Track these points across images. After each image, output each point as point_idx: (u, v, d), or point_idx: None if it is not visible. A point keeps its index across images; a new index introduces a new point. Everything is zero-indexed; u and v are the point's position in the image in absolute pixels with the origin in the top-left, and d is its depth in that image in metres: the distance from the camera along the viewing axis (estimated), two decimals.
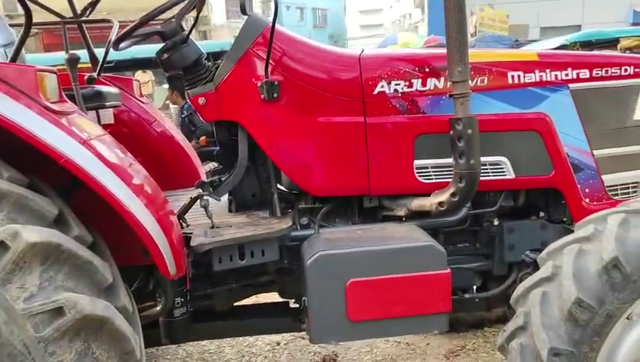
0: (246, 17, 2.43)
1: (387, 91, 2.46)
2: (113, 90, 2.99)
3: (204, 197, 2.40)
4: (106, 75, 3.49)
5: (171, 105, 12.73)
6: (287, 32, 2.54)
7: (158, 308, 2.35)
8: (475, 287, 2.84)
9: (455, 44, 2.24)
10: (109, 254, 1.96)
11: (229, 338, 4.01)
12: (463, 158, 2.32)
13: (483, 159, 2.48)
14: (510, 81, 2.53)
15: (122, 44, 2.55)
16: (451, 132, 2.33)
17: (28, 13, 2.46)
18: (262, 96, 2.41)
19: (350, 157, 2.48)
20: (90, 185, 1.79)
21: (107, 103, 2.74)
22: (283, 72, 2.44)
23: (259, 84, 2.41)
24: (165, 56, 2.55)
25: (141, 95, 3.67)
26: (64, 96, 2.01)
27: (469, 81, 2.31)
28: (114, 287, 1.88)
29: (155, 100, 11.90)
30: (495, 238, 2.72)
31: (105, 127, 3.31)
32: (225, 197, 2.71)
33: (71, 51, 2.29)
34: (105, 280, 1.83)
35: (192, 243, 2.18)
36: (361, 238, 2.33)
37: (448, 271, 2.24)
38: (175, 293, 2.39)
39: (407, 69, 2.48)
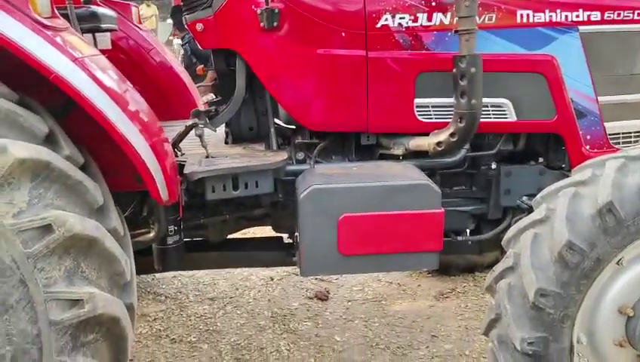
0: None
1: (391, 25, 2.38)
2: (110, 13, 2.90)
3: (199, 126, 2.36)
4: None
5: (174, 41, 12.49)
6: None
7: (151, 235, 2.35)
8: (468, 231, 2.85)
9: None
10: (100, 176, 1.95)
11: (223, 272, 4.07)
12: (465, 98, 2.27)
13: (484, 100, 2.42)
14: (519, 20, 2.44)
15: None
16: (454, 70, 2.27)
17: None
18: (261, 24, 2.34)
19: (349, 92, 2.43)
20: (81, 104, 1.75)
21: (103, 26, 2.66)
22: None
23: (258, 11, 2.33)
24: None
25: (140, 22, 3.58)
26: (56, 12, 1.94)
27: (476, 17, 2.24)
28: (105, 209, 1.88)
29: (159, 36, 11.67)
30: (492, 182, 2.70)
31: (102, 52, 3.27)
32: (222, 129, 2.68)
33: None
34: (95, 202, 1.82)
35: (185, 170, 2.16)
36: (356, 174, 2.31)
37: (442, 210, 2.23)
38: (168, 221, 2.39)
39: (413, 2, 2.39)
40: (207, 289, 3.99)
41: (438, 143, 2.38)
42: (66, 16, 2.28)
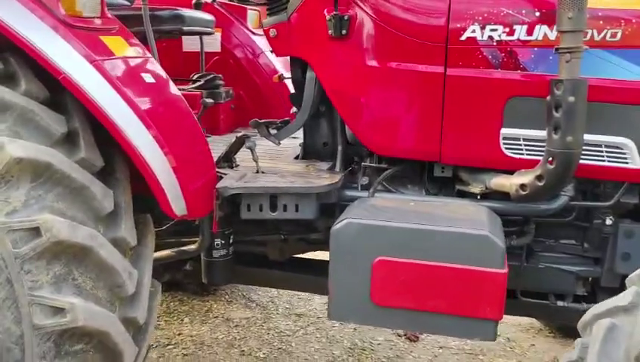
0: None
1: (479, 37, 1.97)
2: (206, 16, 2.88)
3: (250, 139, 2.20)
4: (224, 2, 3.43)
5: None
6: None
7: (193, 247, 2.26)
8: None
9: None
10: (124, 183, 1.88)
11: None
12: (558, 133, 1.79)
13: (598, 138, 1.94)
14: None
15: None
16: (548, 97, 1.81)
17: None
18: (329, 31, 2.10)
19: (421, 113, 2.07)
20: (87, 106, 1.69)
21: (185, 28, 2.64)
22: (356, 4, 2.09)
23: (328, 17, 2.10)
24: None
25: (259, 27, 3.55)
26: (107, 13, 1.92)
27: (584, 33, 1.76)
28: (115, 217, 1.80)
29: None
30: (608, 241, 2.13)
31: (211, 54, 3.30)
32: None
33: None
34: (102, 208, 1.75)
35: (219, 185, 2.01)
36: (408, 212, 1.95)
37: (504, 271, 1.78)
38: (214, 234, 2.27)
39: (511, 11, 1.95)
40: (300, 304, 3.84)
41: (522, 186, 1.93)
42: (138, 18, 2.27)
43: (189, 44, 3.25)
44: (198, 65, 3.20)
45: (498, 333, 3.41)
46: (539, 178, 1.87)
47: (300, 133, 2.46)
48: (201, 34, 2.97)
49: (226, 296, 3.92)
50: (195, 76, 3.07)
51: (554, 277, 2.23)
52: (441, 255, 1.79)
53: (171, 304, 3.79)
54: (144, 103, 1.79)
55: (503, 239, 1.83)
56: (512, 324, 3.57)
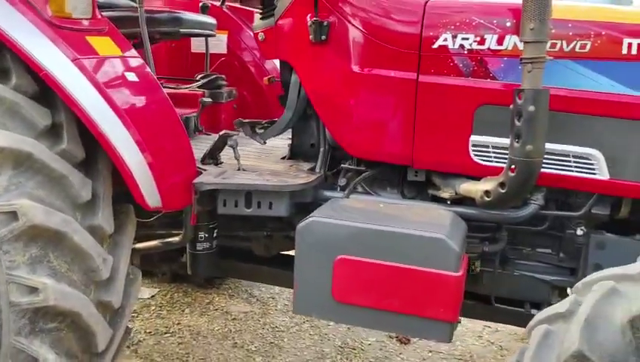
0: None
1: (450, 46, 2.02)
2: (205, 19, 3.00)
3: (232, 138, 2.30)
4: (232, 5, 3.54)
5: None
6: None
7: (177, 239, 2.37)
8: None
9: None
10: (104, 174, 2.00)
11: None
12: (519, 142, 1.82)
13: (566, 148, 1.97)
14: (625, 51, 1.88)
15: None
16: (512, 105, 1.84)
17: None
18: (310, 36, 2.18)
19: (394, 118, 2.13)
20: (66, 101, 1.81)
21: (182, 30, 2.76)
22: (335, 11, 2.16)
23: (309, 22, 2.18)
24: None
25: None
26: (98, 14, 2.05)
27: (547, 43, 1.79)
28: (92, 205, 1.92)
29: None
30: (581, 251, 2.14)
31: (217, 56, 3.42)
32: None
33: None
34: (79, 197, 1.87)
35: (195, 180, 2.12)
36: (374, 213, 2.01)
37: (460, 274, 1.82)
38: (198, 228, 2.38)
39: (482, 21, 1.99)
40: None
41: (487, 193, 1.97)
42: (134, 19, 2.40)
43: (197, 45, 3.38)
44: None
45: (491, 340, 3.46)
46: (501, 185, 1.91)
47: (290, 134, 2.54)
48: (200, 35, 3.09)
49: (229, 290, 4.03)
50: (199, 76, 3.19)
51: (529, 286, 2.25)
52: (398, 256, 1.85)
53: (175, 295, 3.93)
54: (123, 100, 1.91)
55: (461, 243, 1.88)
56: (508, 333, 3.57)
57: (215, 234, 2.46)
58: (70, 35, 1.88)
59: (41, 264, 1.78)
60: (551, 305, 2.24)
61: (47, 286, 1.74)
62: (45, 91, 1.91)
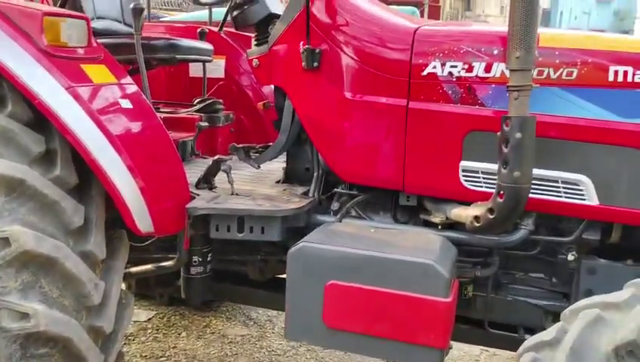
0: None
1: (439, 73, 2.05)
2: (201, 45, 3.05)
3: (226, 162, 2.32)
4: (230, 31, 3.60)
5: None
6: None
7: (171, 263, 2.38)
8: None
9: (519, 19, 1.75)
10: (97, 200, 2.02)
11: None
12: (507, 168, 1.84)
13: (555, 174, 1.98)
14: (611, 78, 1.90)
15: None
16: (499, 132, 1.86)
17: None
18: (302, 63, 2.22)
19: (386, 144, 2.15)
20: (59, 129, 1.84)
21: (179, 56, 2.80)
22: (327, 39, 2.20)
23: (301, 49, 2.22)
24: (234, 13, 2.51)
25: None
26: (94, 42, 2.09)
27: (533, 71, 1.81)
28: (85, 231, 1.94)
29: None
30: (573, 276, 2.14)
31: (215, 80, 3.46)
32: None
33: (135, 2, 2.38)
34: (72, 223, 1.89)
35: (188, 205, 2.14)
36: (365, 238, 2.03)
37: (449, 300, 1.82)
38: (192, 252, 2.40)
39: (470, 49, 2.03)
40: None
41: (476, 218, 1.98)
42: (131, 46, 2.45)
43: (195, 70, 3.43)
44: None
45: None
46: (490, 211, 1.92)
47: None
48: (197, 61, 3.13)
49: (226, 313, 4.03)
50: (196, 101, 3.23)
51: (522, 311, 2.25)
52: (388, 281, 1.86)
53: (172, 317, 3.92)
54: (116, 127, 1.94)
55: (450, 269, 1.89)
56: (505, 357, 3.53)
57: (209, 258, 2.48)
58: (65, 63, 1.92)
59: (33, 289, 1.80)
60: (545, 329, 2.29)
61: (38, 311, 1.76)
62: (40, 118, 1.94)
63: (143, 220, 1.99)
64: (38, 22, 1.87)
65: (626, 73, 1.88)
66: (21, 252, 1.73)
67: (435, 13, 17.54)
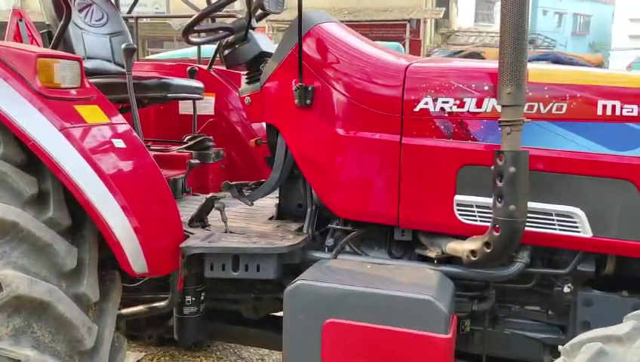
0: None
1: (431, 109, 2.08)
2: (192, 83, 3.07)
3: (219, 200, 2.31)
4: (219, 68, 3.63)
5: None
6: (336, 31, 2.31)
7: (163, 303, 2.34)
8: None
9: (509, 56, 1.79)
10: (90, 241, 1.99)
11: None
12: (501, 202, 1.85)
13: (549, 207, 1.99)
14: (600, 112, 1.94)
15: (192, 38, 2.58)
16: (493, 167, 1.88)
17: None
18: (295, 101, 2.24)
19: (380, 179, 2.16)
20: (52, 170, 1.83)
21: (170, 95, 2.82)
22: (320, 76, 2.23)
23: (294, 87, 2.24)
24: (226, 52, 2.53)
25: None
26: (87, 83, 2.09)
27: (523, 107, 1.85)
28: (77, 273, 1.91)
29: None
30: (570, 308, 2.14)
31: (205, 117, 3.47)
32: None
33: (127, 43, 2.39)
34: (65, 265, 1.86)
35: (182, 244, 2.12)
36: (362, 274, 2.02)
37: (449, 336, 1.81)
38: (186, 291, 2.36)
39: (461, 85, 2.06)
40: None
41: (472, 252, 1.98)
42: (123, 85, 2.46)
43: (185, 107, 3.44)
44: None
45: None
46: (487, 245, 1.92)
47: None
48: (188, 99, 3.15)
49: (217, 352, 3.94)
50: (187, 138, 3.23)
51: (520, 344, 2.24)
52: (387, 318, 1.84)
53: (162, 359, 3.83)
54: (109, 167, 1.93)
55: (449, 304, 1.88)
56: None
57: (203, 298, 2.44)
58: (58, 104, 1.92)
59: (25, 335, 1.76)
60: None
61: (30, 358, 1.72)
62: (32, 159, 1.93)
63: (137, 261, 1.96)
64: (32, 63, 1.88)
65: (614, 107, 1.92)
66: (13, 296, 1.70)
67: (416, 48, 17.96)
